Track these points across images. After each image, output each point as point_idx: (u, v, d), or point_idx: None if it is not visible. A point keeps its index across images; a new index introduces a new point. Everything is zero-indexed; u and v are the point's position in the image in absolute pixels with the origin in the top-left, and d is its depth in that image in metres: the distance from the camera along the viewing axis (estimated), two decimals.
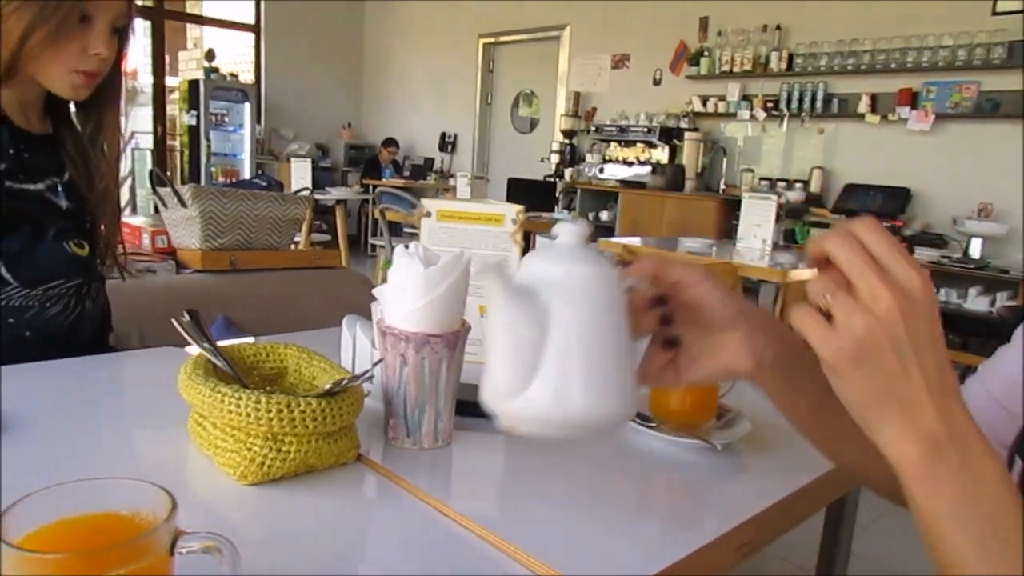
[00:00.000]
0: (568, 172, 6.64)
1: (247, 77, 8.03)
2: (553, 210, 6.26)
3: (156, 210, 2.06)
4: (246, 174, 7.63)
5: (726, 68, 5.70)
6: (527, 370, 0.48)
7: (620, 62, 6.53)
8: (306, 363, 0.77)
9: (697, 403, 0.83)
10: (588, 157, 6.56)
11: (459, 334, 0.71)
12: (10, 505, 0.36)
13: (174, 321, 0.72)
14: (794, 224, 4.96)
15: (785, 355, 0.57)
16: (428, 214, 1.02)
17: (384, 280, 0.72)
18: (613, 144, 6.33)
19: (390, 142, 8.13)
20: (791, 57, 5.36)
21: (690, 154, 5.84)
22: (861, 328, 0.42)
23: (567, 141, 6.81)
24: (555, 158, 6.81)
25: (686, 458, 0.80)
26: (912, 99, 4.78)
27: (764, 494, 0.72)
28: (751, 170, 5.66)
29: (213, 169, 7.50)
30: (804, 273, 2.90)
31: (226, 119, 7.62)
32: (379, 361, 0.69)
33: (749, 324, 0.57)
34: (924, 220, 4.75)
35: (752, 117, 5.58)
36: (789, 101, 5.35)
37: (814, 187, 5.26)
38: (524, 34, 7.29)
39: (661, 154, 5.98)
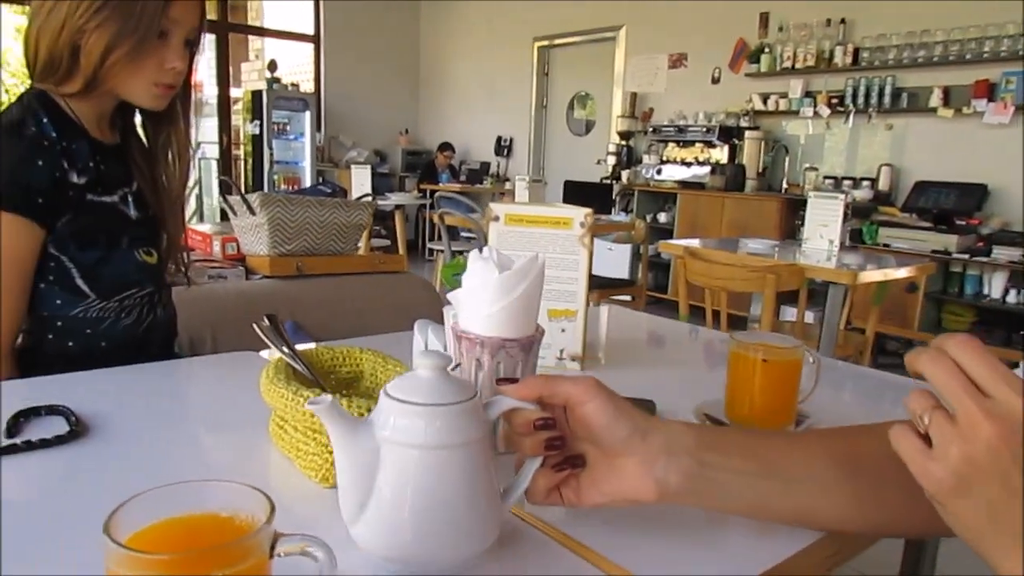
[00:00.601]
0: (625, 174, 6.59)
1: (307, 86, 8.23)
2: (610, 212, 6.22)
3: (223, 217, 2.13)
4: (307, 181, 7.81)
5: (788, 64, 5.57)
6: (355, 505, 0.51)
7: (678, 61, 6.45)
8: (382, 367, 0.77)
9: (776, 408, 0.81)
10: (645, 158, 6.50)
11: (534, 338, 0.71)
12: (118, 506, 0.37)
13: (255, 326, 0.74)
14: (861, 223, 4.81)
15: (700, 473, 0.55)
16: (496, 218, 1.03)
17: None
18: (671, 144, 6.25)
19: (446, 146, 8.21)
20: (856, 51, 5.20)
21: (750, 153, 5.73)
22: (959, 459, 0.39)
23: (624, 142, 6.76)
24: (611, 160, 6.76)
25: None
26: (989, 91, 4.58)
27: None
28: (815, 168, 5.51)
29: (275, 177, 7.70)
30: (875, 274, 2.80)
31: (287, 128, 7.82)
32: (456, 366, 0.70)
33: (646, 447, 0.55)
34: (1002, 218, 4.54)
35: (816, 114, 5.43)
36: (855, 96, 5.19)
37: (882, 185, 5.09)
38: (579, 36, 7.26)
39: (720, 154, 5.88)
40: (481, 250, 0.72)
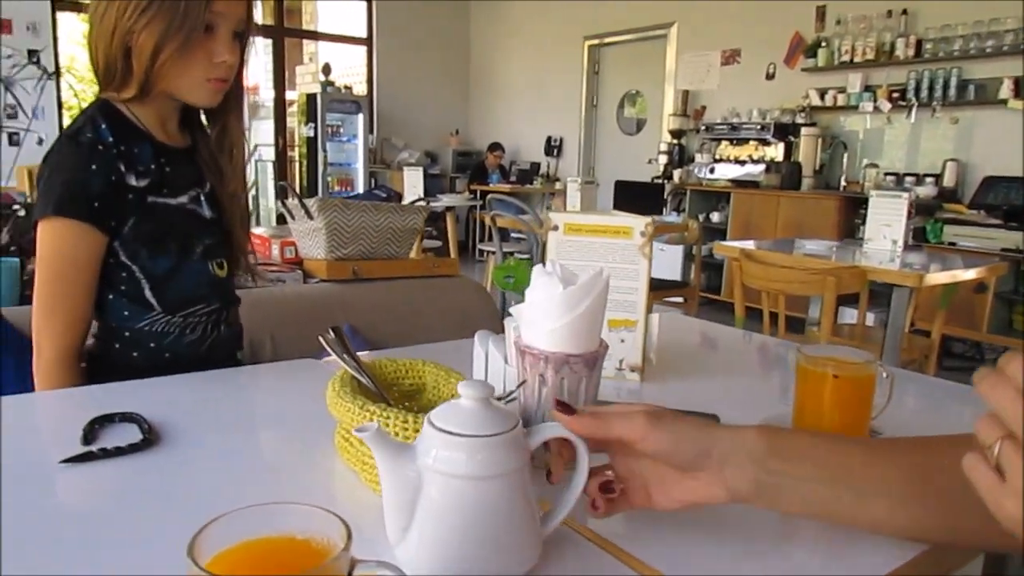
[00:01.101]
0: (676, 173, 6.50)
1: (360, 89, 8.35)
2: (661, 212, 6.15)
3: (279, 221, 2.16)
4: (360, 183, 7.93)
5: (846, 58, 5.42)
6: (399, 528, 0.52)
7: (730, 58, 6.34)
8: (444, 380, 0.78)
9: (847, 426, 0.78)
10: (697, 157, 6.40)
11: (598, 353, 0.70)
12: (200, 530, 0.38)
13: (321, 339, 0.74)
14: (925, 221, 4.65)
15: (769, 480, 0.56)
16: (555, 227, 1.02)
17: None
18: (724, 143, 6.14)
19: (496, 147, 8.23)
20: (919, 43, 5.02)
21: (807, 150, 5.59)
22: None
23: (675, 141, 6.67)
24: (663, 159, 6.69)
25: None
26: None
27: None
28: (875, 165, 5.35)
29: (329, 179, 7.84)
30: (941, 276, 2.70)
31: (341, 130, 7.95)
32: (523, 383, 0.69)
33: (713, 462, 0.56)
34: None
35: (876, 109, 5.27)
36: (917, 90, 5.03)
37: (947, 181, 4.91)
38: (629, 34, 7.20)
39: (775, 151, 5.76)
40: (538, 260, 0.71)
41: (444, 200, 6.16)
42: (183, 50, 1.06)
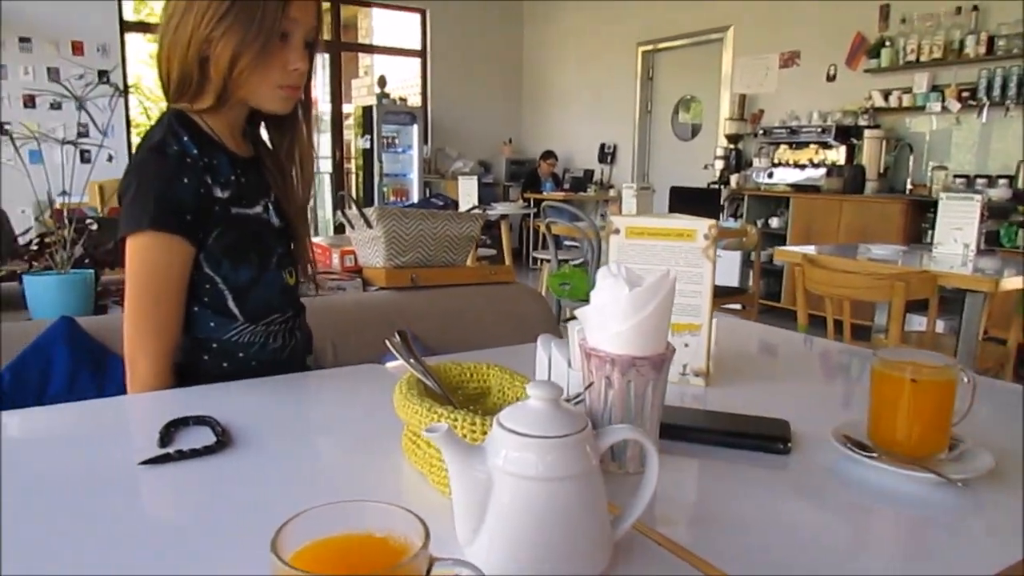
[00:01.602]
0: (734, 178, 6.39)
1: (414, 100, 8.47)
2: (718, 218, 6.05)
3: (336, 231, 2.20)
4: (415, 193, 8.03)
5: (911, 58, 5.25)
6: (469, 530, 0.53)
7: (789, 60, 6.21)
8: (509, 384, 0.78)
9: (927, 433, 0.75)
10: (755, 161, 6.29)
11: (665, 356, 0.69)
12: (282, 525, 0.39)
13: (387, 342, 0.75)
14: (999, 225, 4.46)
15: None
16: (617, 231, 1.01)
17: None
18: (783, 146, 6.01)
19: (549, 155, 8.23)
20: (991, 40, 4.84)
21: (871, 153, 5.43)
22: None
23: (732, 146, 6.57)
24: (719, 164, 6.58)
25: (912, 494, 0.72)
26: None
27: (1013, 545, 0.62)
28: (943, 167, 5.16)
29: (384, 189, 7.97)
30: (1016, 281, 2.58)
31: (396, 141, 8.08)
32: (590, 385, 0.69)
33: None
34: None
35: (944, 109, 5.09)
36: (989, 88, 4.84)
37: (1022, 183, 4.71)
38: (684, 39, 7.13)
39: (837, 155, 5.61)
40: (593, 267, 0.71)
41: (498, 208, 6.19)
42: (260, 58, 1.06)
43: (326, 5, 7.82)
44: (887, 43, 5.43)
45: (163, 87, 1.13)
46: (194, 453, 0.77)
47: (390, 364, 1.15)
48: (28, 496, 0.68)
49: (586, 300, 0.71)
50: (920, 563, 0.63)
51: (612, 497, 0.68)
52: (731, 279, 5.60)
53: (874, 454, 0.76)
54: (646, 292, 0.67)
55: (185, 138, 1.09)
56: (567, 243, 5.77)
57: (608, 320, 0.68)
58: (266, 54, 1.07)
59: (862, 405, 0.81)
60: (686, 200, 6.23)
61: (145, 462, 0.74)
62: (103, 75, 6.43)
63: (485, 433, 0.62)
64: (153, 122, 1.15)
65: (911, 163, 5.34)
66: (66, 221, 1.74)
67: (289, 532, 0.39)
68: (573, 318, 0.77)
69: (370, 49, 9.30)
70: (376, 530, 0.41)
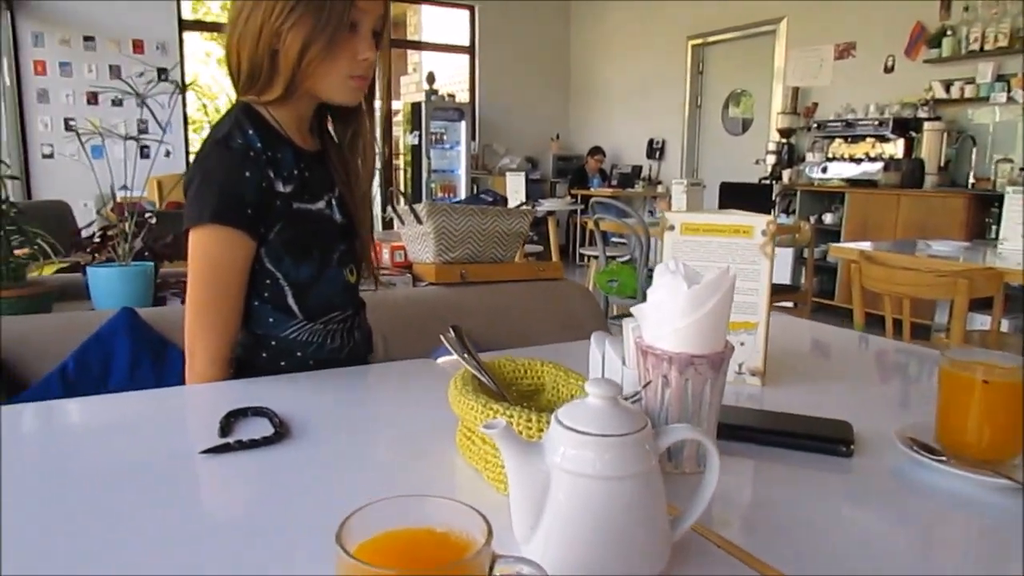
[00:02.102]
0: (786, 173, 6.26)
1: (463, 97, 8.51)
2: (769, 214, 5.93)
3: (385, 227, 2.22)
4: (462, 189, 8.08)
5: (975, 47, 5.06)
6: (527, 527, 0.52)
7: (845, 51, 6.05)
8: (563, 381, 0.77)
9: (999, 436, 0.72)
10: (809, 156, 6.14)
11: (724, 355, 0.68)
12: (346, 518, 0.39)
13: (442, 337, 0.76)
14: None
15: None
16: (671, 227, 1.00)
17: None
18: (837, 140, 5.86)
19: (596, 151, 8.19)
20: None
21: (931, 146, 5.25)
22: None
23: (784, 140, 6.43)
24: (771, 159, 6.45)
25: (983, 499, 0.70)
26: None
27: None
28: (1009, 160, 4.96)
29: (432, 185, 8.03)
30: None
31: (444, 137, 8.13)
32: (648, 383, 0.68)
33: None
34: None
35: (1010, 99, 4.90)
36: None
37: None
38: (735, 32, 7.00)
39: (895, 148, 5.44)
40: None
41: (545, 204, 6.18)
42: (329, 48, 1.06)
43: None
44: (949, 32, 5.24)
45: (232, 80, 1.14)
46: (253, 443, 0.78)
47: (441, 359, 1.15)
48: (93, 483, 0.71)
49: (634, 297, 0.70)
50: (992, 572, 0.61)
51: (672, 498, 0.67)
52: (783, 276, 5.48)
53: (943, 457, 0.74)
54: (705, 289, 0.66)
55: (250, 131, 1.09)
56: (614, 240, 5.73)
57: (666, 317, 0.67)
58: (335, 44, 1.07)
59: (924, 406, 0.79)
60: (736, 196, 6.12)
61: (206, 451, 0.76)
62: (162, 72, 6.63)
63: (541, 430, 0.62)
64: (209, 118, 1.16)
65: (974, 156, 5.15)
66: (127, 215, 1.80)
67: (352, 525, 0.39)
68: (622, 315, 0.77)
69: (419, 46, 9.37)
70: (437, 525, 0.41)
